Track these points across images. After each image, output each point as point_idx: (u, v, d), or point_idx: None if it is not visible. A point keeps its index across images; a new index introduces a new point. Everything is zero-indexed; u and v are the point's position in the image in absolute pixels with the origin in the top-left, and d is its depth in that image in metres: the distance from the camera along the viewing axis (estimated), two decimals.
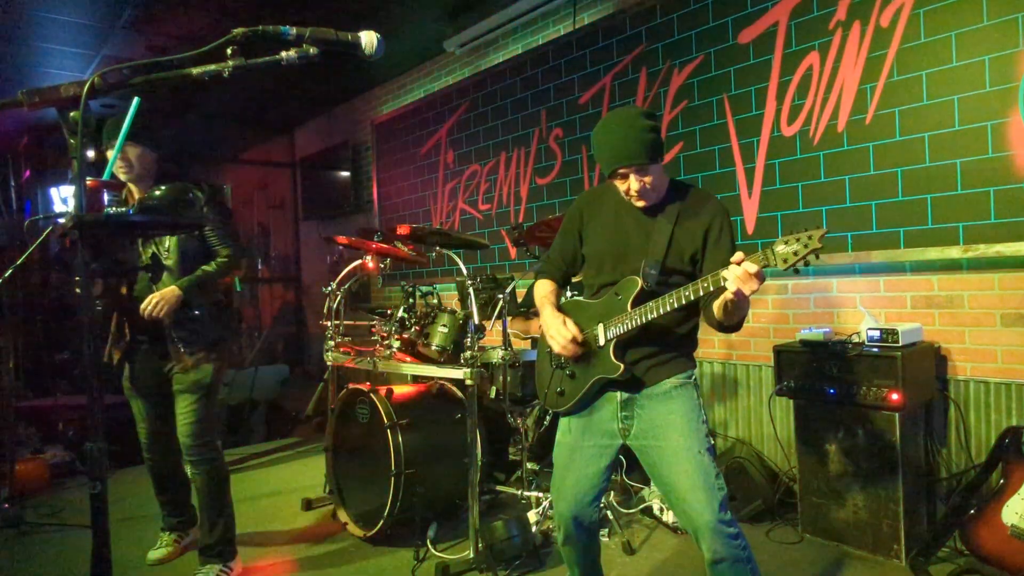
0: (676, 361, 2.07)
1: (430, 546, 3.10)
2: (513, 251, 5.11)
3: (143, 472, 4.66)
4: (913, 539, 2.83)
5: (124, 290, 2.90)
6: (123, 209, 1.40)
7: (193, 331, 2.86)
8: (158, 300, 2.75)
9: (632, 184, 2.01)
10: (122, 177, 2.89)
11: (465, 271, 3.29)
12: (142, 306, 2.74)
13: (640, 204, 2.07)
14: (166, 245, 2.88)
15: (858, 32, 3.18)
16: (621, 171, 2.00)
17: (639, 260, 2.05)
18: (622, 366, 2.00)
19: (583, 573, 2.23)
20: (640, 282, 2.01)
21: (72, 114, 1.08)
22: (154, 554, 3.16)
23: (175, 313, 2.80)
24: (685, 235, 2.04)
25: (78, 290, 1.12)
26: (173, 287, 2.80)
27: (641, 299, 1.99)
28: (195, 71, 1.21)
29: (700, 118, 3.85)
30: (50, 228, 2.29)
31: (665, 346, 2.06)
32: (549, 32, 4.85)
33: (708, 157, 3.81)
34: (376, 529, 3.16)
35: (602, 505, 2.89)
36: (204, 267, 2.88)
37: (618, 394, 2.08)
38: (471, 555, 2.93)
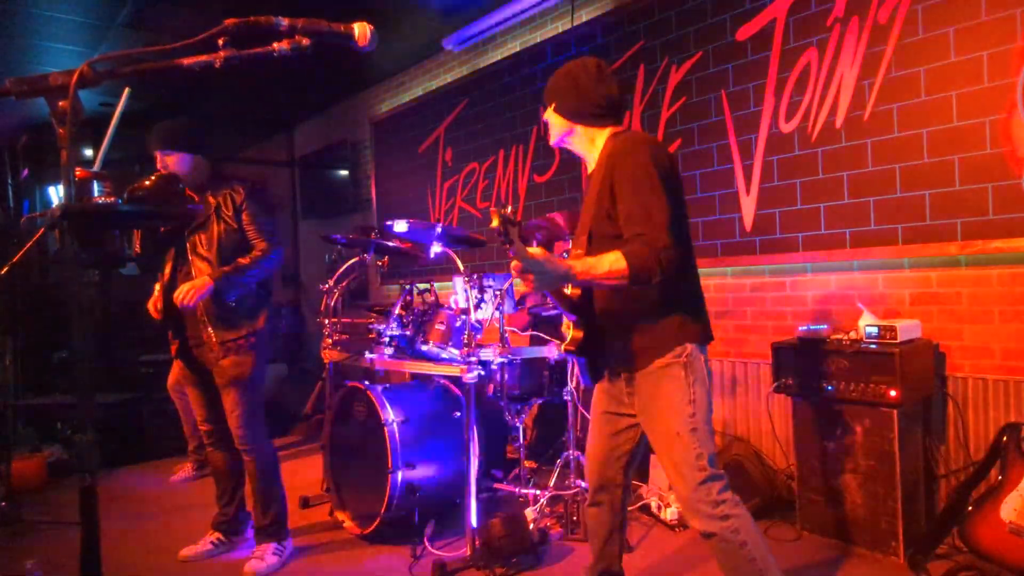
0: (653, 341, 2.02)
1: (427, 544, 3.10)
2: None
3: (143, 471, 4.66)
4: (911, 536, 2.82)
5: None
6: (111, 199, 1.40)
7: (227, 320, 2.97)
8: (188, 289, 2.87)
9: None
10: None
11: (462, 268, 3.28)
12: (174, 295, 2.88)
13: (550, 142, 2.24)
14: (208, 237, 2.99)
15: (856, 28, 3.18)
16: None
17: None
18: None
19: (601, 543, 2.29)
20: None
21: (60, 103, 1.07)
22: (186, 550, 3.14)
23: (210, 302, 2.91)
24: (602, 193, 2.01)
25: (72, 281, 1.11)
26: (204, 277, 2.91)
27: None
28: (186, 62, 1.20)
29: (698, 115, 3.84)
30: (44, 226, 2.29)
31: (628, 326, 2.04)
32: (547, 29, 4.84)
33: (706, 154, 3.80)
34: (373, 527, 3.16)
35: None
36: (239, 259, 2.98)
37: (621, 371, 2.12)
38: (468, 553, 2.93)
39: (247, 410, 3.00)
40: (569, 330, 2.14)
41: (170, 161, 2.98)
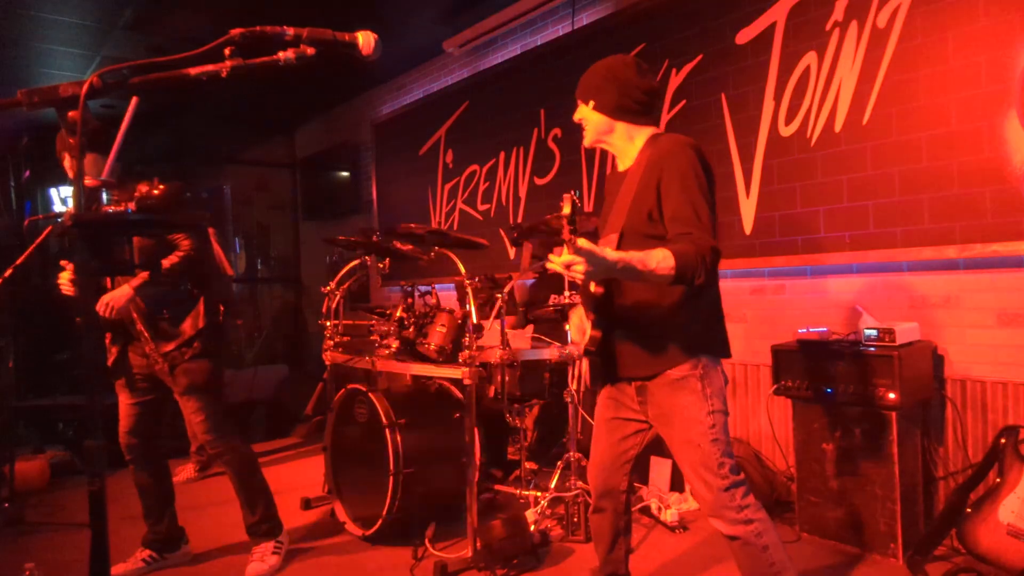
0: (669, 349, 2.01)
1: (428, 545, 3.11)
2: (512, 251, 5.12)
3: None
4: (910, 537, 2.83)
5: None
6: (121, 208, 1.42)
7: (162, 331, 2.90)
8: (107, 301, 2.79)
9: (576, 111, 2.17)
10: (87, 184, 2.89)
11: (463, 271, 3.30)
12: (96, 308, 2.77)
13: (584, 143, 2.19)
14: (132, 246, 2.89)
15: (855, 33, 3.19)
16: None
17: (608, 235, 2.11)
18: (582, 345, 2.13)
19: (606, 549, 2.29)
20: None
21: (70, 114, 1.09)
22: (117, 568, 2.99)
23: (143, 315, 2.85)
24: (644, 192, 2.01)
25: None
26: (124, 286, 2.83)
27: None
28: (193, 72, 1.22)
29: (698, 118, 3.86)
30: (49, 228, 2.30)
31: (646, 330, 2.03)
32: (548, 32, 4.86)
33: (706, 156, 3.80)
34: (375, 528, 3.17)
35: None
36: (163, 260, 2.87)
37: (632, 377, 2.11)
38: (469, 554, 2.94)
39: (209, 414, 2.96)
40: (586, 331, 2.10)
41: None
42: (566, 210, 1.71)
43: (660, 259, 1.78)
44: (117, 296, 2.80)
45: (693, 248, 1.81)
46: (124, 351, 2.99)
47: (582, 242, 1.72)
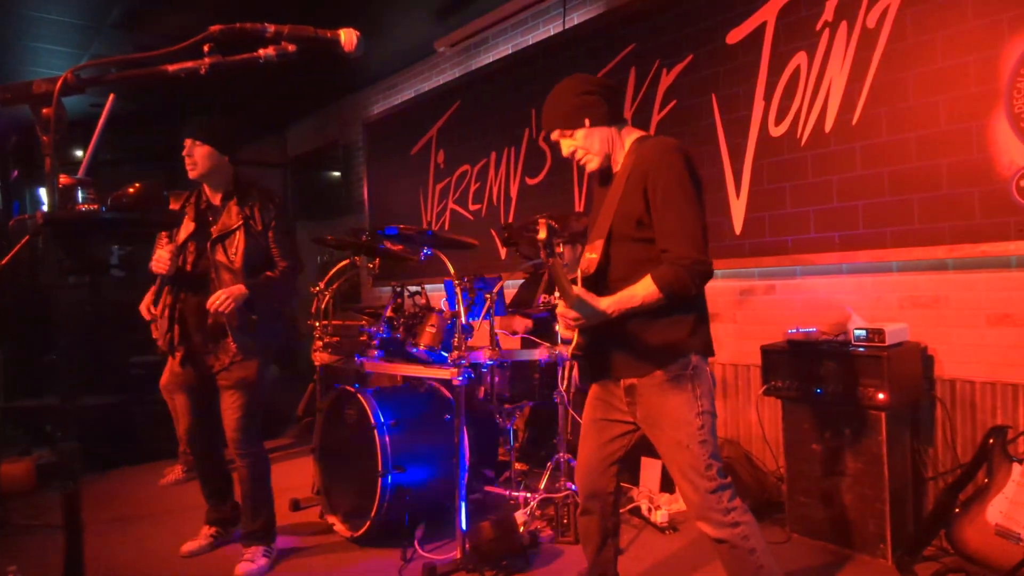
0: (658, 349, 2.01)
1: (417, 546, 3.09)
2: (503, 251, 5.11)
3: (133, 473, 4.63)
4: (899, 538, 2.83)
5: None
6: (94, 207, 1.40)
7: (249, 333, 2.97)
8: (226, 296, 2.85)
9: (563, 148, 2.12)
10: (190, 175, 3.02)
11: (453, 271, 3.28)
12: (209, 301, 2.84)
13: (591, 168, 2.15)
14: (234, 248, 2.98)
15: (845, 33, 3.19)
16: (552, 138, 2.12)
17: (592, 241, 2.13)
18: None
19: (595, 550, 2.28)
20: (579, 270, 2.10)
21: (44, 111, 1.07)
22: (187, 545, 3.21)
23: (234, 312, 2.90)
24: (630, 198, 2.01)
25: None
26: (240, 285, 2.90)
27: (584, 284, 2.05)
28: (171, 69, 1.20)
29: (689, 118, 3.85)
30: (32, 230, 2.28)
31: (634, 332, 2.03)
32: (539, 32, 4.85)
33: (696, 157, 3.77)
34: (363, 530, 3.15)
35: None
36: (268, 273, 3.00)
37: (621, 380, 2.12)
38: (458, 555, 2.93)
39: (247, 413, 3.01)
40: (574, 334, 2.11)
41: (198, 152, 2.98)
42: (541, 235, 1.74)
43: (645, 293, 1.91)
44: (236, 293, 2.87)
45: (671, 270, 1.90)
46: (190, 350, 3.03)
47: (577, 290, 1.84)
